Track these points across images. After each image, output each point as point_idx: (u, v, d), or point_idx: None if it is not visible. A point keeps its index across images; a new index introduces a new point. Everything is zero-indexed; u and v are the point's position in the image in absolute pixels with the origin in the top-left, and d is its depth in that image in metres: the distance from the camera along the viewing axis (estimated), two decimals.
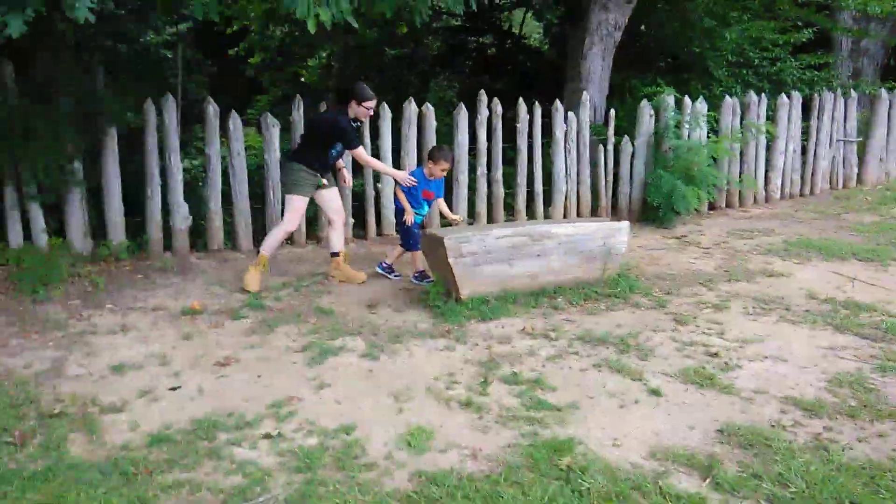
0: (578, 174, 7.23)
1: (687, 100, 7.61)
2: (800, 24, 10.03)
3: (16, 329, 3.97)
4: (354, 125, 4.85)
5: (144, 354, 3.64)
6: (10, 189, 4.98)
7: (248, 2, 9.95)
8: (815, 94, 8.84)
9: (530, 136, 6.94)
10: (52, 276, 4.72)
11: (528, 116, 6.89)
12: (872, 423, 2.92)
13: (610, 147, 7.33)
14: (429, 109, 6.47)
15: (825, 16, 9.46)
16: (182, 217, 5.68)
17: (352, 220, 6.42)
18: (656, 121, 7.41)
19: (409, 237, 5.08)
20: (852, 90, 9.27)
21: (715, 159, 7.54)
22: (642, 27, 10.21)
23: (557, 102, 7.08)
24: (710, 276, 5.18)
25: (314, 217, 6.10)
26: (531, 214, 7.09)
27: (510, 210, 7.12)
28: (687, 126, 7.48)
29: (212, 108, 5.73)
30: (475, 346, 3.75)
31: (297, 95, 6.22)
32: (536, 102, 6.98)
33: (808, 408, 3.05)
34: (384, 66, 11.47)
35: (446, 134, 7.13)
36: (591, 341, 3.82)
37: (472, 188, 6.80)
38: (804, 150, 8.77)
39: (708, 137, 7.72)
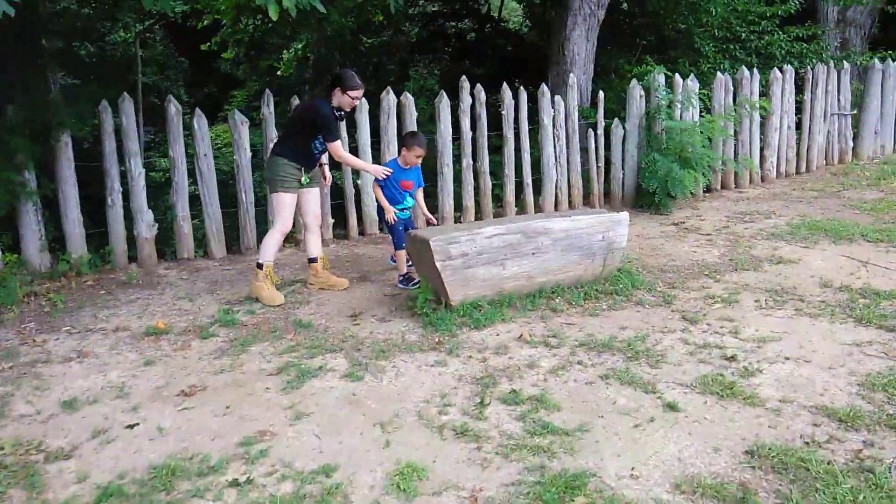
0: (568, 161, 6.88)
1: (678, 78, 7.27)
2: None
3: None
4: (337, 114, 4.45)
5: (101, 385, 3.26)
6: None
7: None
8: (808, 68, 8.53)
9: (516, 122, 6.58)
10: (3, 297, 4.33)
11: (513, 102, 6.52)
12: None
13: (600, 131, 6.98)
14: (408, 99, 6.08)
15: None
16: (147, 225, 5.29)
17: (332, 220, 6.04)
18: (646, 101, 7.08)
19: (393, 235, 4.76)
20: (844, 62, 8.97)
21: (710, 139, 7.21)
22: (623, 4, 9.85)
23: (543, 87, 6.72)
24: (716, 266, 4.86)
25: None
26: (521, 206, 6.74)
27: (499, 202, 6.77)
28: (679, 105, 7.14)
29: (173, 107, 5.32)
30: (469, 360, 3.41)
31: (267, 90, 5.82)
32: (521, 87, 6.61)
33: (842, 418, 2.73)
34: (362, 55, 11.05)
35: (427, 124, 6.75)
36: (596, 348, 3.49)
37: (458, 180, 6.44)
38: (798, 126, 8.48)
39: (701, 116, 7.40)
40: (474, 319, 3.84)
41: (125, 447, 2.71)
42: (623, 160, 7.06)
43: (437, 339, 3.65)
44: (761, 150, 8.09)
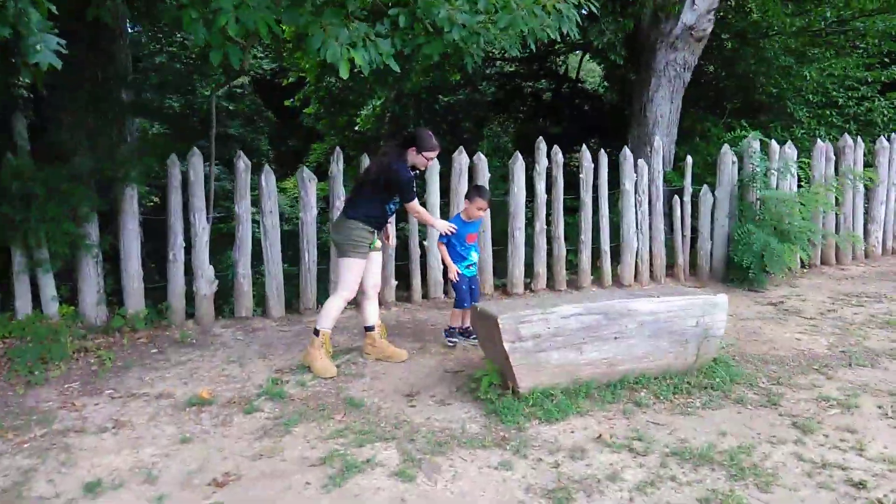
0: (651, 229, 6.39)
1: (774, 144, 6.73)
2: (886, 59, 9.05)
3: None
4: (412, 174, 4.24)
5: (130, 465, 2.97)
6: (19, 254, 4.50)
7: (301, 56, 9.71)
8: None
9: (595, 186, 6.17)
10: (54, 352, 4.17)
11: (592, 165, 6.14)
12: None
13: (687, 198, 6.47)
14: (481, 160, 5.79)
15: None
16: (206, 281, 5.11)
17: (395, 282, 5.74)
18: (739, 168, 6.55)
19: (457, 292, 4.61)
20: None
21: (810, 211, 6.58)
22: (711, 67, 9.40)
23: (626, 150, 6.31)
24: (825, 360, 4.23)
25: None
26: (597, 274, 6.27)
27: (572, 269, 6.32)
28: (775, 173, 6.58)
29: (242, 163, 5.19)
30: (539, 463, 2.94)
31: (337, 148, 5.65)
32: (602, 150, 6.22)
33: None
34: (437, 113, 11.00)
35: (499, 183, 6.43)
36: (691, 458, 2.96)
37: (530, 244, 6.05)
38: None
39: (799, 186, 6.79)
40: (546, 411, 3.37)
41: None
42: (712, 230, 6.51)
43: (502, 434, 3.21)
44: (865, 224, 7.36)
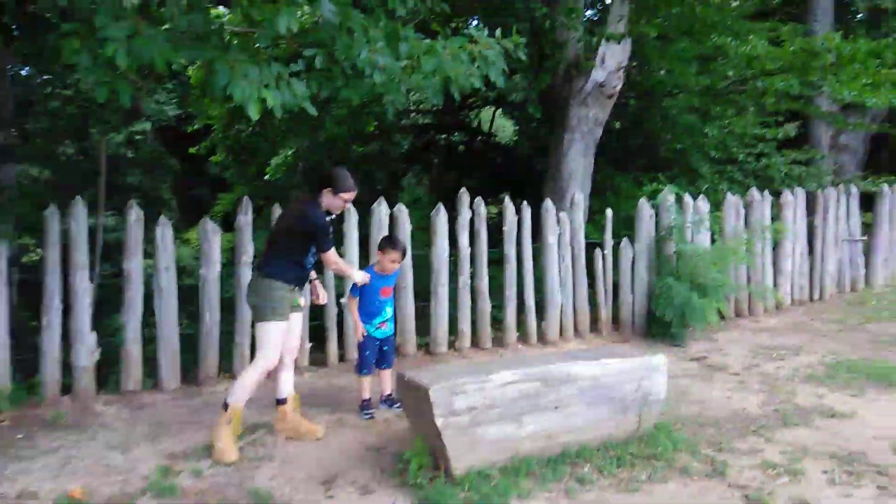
0: (574, 283, 6.25)
1: (688, 198, 6.82)
2: (780, 118, 9.61)
3: None
4: (328, 220, 3.82)
5: None
6: None
7: (209, 101, 9.19)
8: (820, 192, 8.20)
9: (517, 240, 5.99)
10: None
11: (516, 217, 5.96)
12: None
13: (608, 251, 6.40)
14: (401, 211, 5.49)
15: (805, 103, 9.09)
16: (87, 350, 4.46)
17: (309, 344, 5.26)
18: (656, 222, 6.57)
19: (359, 356, 4.24)
20: (852, 186, 8.67)
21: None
22: (617, 124, 9.65)
23: (548, 202, 6.19)
24: (760, 420, 4.11)
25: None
26: (522, 331, 6.03)
27: (497, 326, 6.05)
28: (689, 227, 6.64)
29: (134, 214, 4.64)
30: None
31: (245, 198, 5.19)
32: (525, 202, 6.08)
33: None
34: (351, 163, 10.70)
35: (421, 236, 6.14)
36: None
37: (453, 300, 5.75)
38: (810, 252, 8.02)
39: (712, 240, 6.89)
40: (483, 495, 3.00)
41: None
42: (633, 284, 6.45)
43: None
44: (774, 276, 7.56)
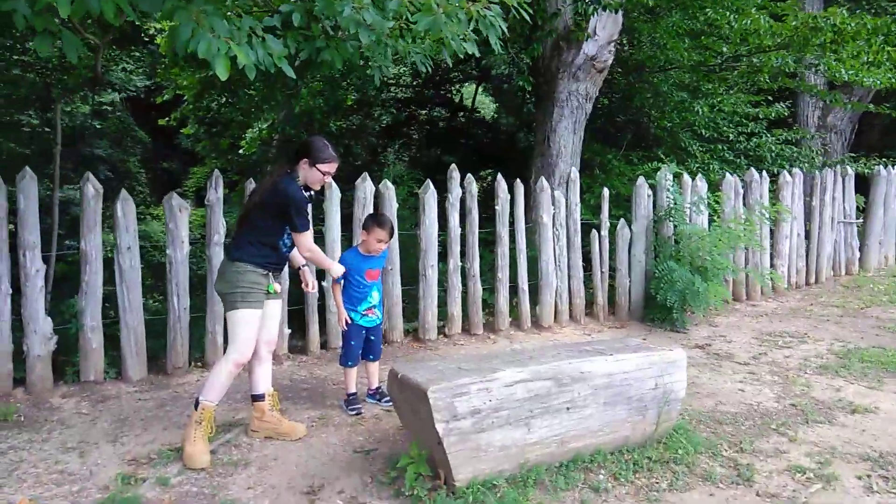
0: (570, 265, 5.91)
1: (687, 177, 6.50)
2: (770, 98, 9.32)
3: None
4: (306, 196, 3.37)
5: None
6: None
7: (180, 70, 8.63)
8: (817, 173, 7.95)
9: (510, 219, 5.62)
10: None
11: (508, 196, 5.58)
12: None
13: (605, 232, 6.07)
14: (388, 188, 5.07)
15: (800, 81, 8.80)
16: (42, 338, 4.01)
17: (288, 331, 4.86)
18: (654, 201, 6.25)
19: (343, 345, 3.86)
20: (848, 167, 8.44)
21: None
22: (606, 100, 9.28)
23: (543, 181, 5.82)
24: (779, 416, 3.81)
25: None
26: (515, 315, 5.69)
27: (488, 310, 5.71)
28: (688, 208, 6.33)
29: (91, 188, 4.16)
30: None
31: (216, 171, 4.73)
32: (519, 180, 5.70)
33: None
34: (330, 137, 10.21)
35: (409, 218, 5.74)
36: None
37: (442, 283, 5.38)
38: (807, 235, 7.79)
39: (710, 221, 6.60)
40: None
41: None
42: (630, 267, 6.13)
43: None
44: (771, 258, 7.31)
